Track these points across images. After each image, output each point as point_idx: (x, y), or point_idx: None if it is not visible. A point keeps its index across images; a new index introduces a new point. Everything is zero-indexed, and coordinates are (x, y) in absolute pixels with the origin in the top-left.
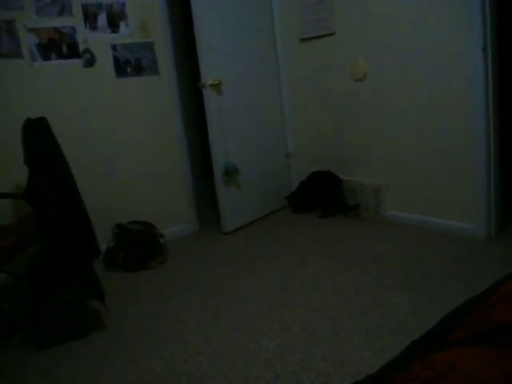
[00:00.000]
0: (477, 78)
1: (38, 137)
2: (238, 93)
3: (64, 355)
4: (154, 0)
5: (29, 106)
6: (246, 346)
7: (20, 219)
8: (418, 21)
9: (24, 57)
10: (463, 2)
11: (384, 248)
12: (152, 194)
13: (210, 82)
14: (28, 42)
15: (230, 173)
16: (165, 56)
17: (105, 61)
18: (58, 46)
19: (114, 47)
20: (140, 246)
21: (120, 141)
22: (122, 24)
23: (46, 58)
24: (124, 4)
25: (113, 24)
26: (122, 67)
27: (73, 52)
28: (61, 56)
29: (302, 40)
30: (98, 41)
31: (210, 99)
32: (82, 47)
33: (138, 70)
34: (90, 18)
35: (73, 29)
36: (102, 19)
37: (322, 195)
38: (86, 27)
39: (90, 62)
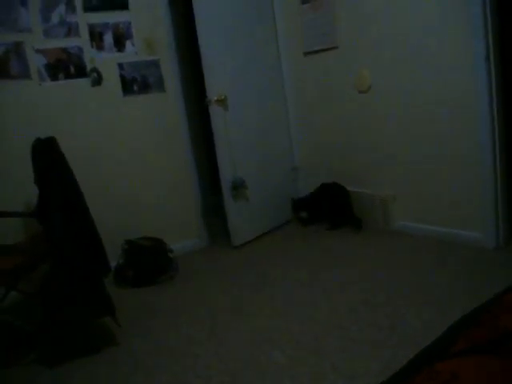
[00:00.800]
0: (481, 87)
1: (47, 156)
2: (244, 107)
3: (77, 372)
4: (159, 18)
5: (38, 125)
6: (256, 358)
7: (31, 237)
8: (420, 33)
9: (32, 77)
10: (464, 13)
11: (393, 259)
12: (160, 209)
13: (216, 98)
14: (36, 62)
15: (238, 187)
16: (171, 73)
17: (112, 79)
18: (66, 66)
19: (120, 66)
20: (150, 261)
21: (128, 158)
22: (127, 43)
23: (54, 78)
24: (130, 23)
25: (119, 43)
26: (128, 85)
27: (80, 71)
28: (68, 76)
29: (306, 53)
30: (105, 60)
31: (216, 115)
32: (89, 67)
33: (145, 87)
34: (96, 37)
35: (80, 49)
36: (108, 39)
37: (330, 207)
38: (92, 47)
39: (98, 81)
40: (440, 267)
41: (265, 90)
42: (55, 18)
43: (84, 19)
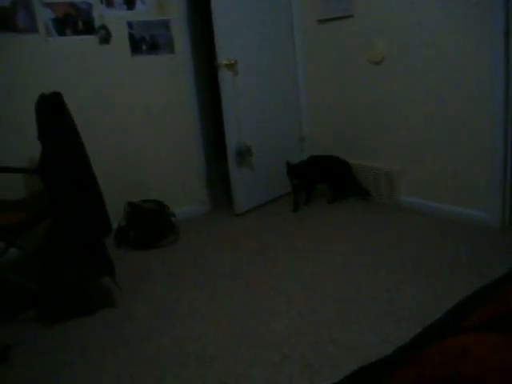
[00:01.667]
0: (497, 66)
1: (52, 112)
2: (254, 73)
3: (75, 331)
4: None
5: (43, 81)
6: (255, 327)
7: (32, 194)
8: (438, 4)
9: (39, 32)
10: None
11: (396, 234)
12: (165, 172)
13: (226, 62)
14: (44, 16)
15: (243, 153)
16: (181, 35)
17: (120, 38)
18: (74, 21)
19: (129, 24)
20: (151, 224)
21: (134, 118)
22: (138, 1)
23: (62, 33)
24: None
25: (129, 1)
26: (137, 45)
27: (88, 28)
28: (76, 32)
29: (320, 21)
30: (114, 17)
31: (226, 79)
32: (97, 23)
33: (154, 47)
34: None
35: (89, 4)
36: None
37: (331, 179)
38: (102, 3)
39: (106, 39)
40: (444, 244)
41: (276, 57)
42: None
43: None
